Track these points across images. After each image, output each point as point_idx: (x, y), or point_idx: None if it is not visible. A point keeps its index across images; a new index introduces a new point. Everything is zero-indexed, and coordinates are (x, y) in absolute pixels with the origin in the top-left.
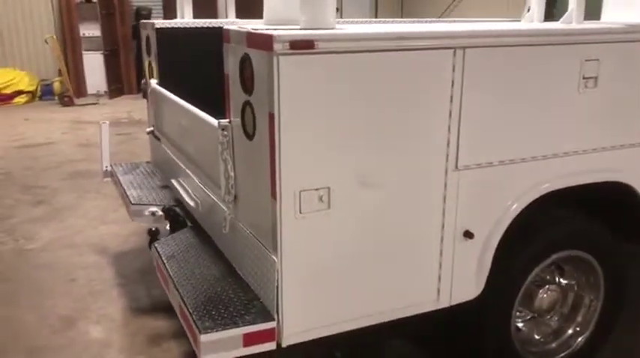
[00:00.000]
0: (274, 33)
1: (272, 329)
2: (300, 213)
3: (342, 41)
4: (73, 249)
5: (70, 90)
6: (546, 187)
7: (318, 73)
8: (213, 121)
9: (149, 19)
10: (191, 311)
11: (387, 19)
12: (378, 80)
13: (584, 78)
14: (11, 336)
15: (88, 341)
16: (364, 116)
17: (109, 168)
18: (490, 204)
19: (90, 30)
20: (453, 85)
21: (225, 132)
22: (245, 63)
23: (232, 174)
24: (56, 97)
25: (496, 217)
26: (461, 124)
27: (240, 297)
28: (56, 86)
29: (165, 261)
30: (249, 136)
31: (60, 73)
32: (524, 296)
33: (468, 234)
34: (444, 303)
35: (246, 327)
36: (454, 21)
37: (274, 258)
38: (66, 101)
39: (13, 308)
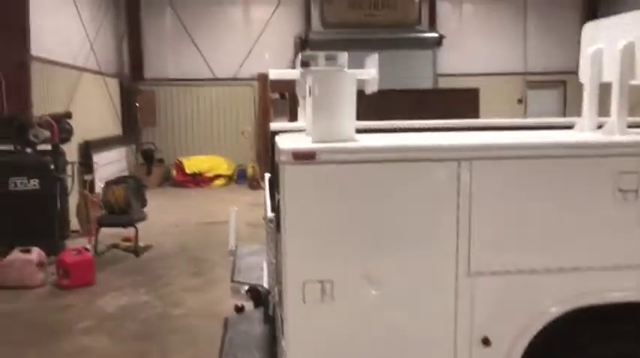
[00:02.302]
0: (282, 145)
1: None
2: (305, 302)
3: (341, 153)
4: (206, 318)
5: (258, 175)
6: (578, 301)
7: (321, 179)
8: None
9: None
10: None
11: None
12: (379, 188)
13: (620, 190)
14: None
15: None
16: (367, 219)
17: (234, 249)
18: (510, 313)
19: (284, 122)
20: (459, 194)
21: (271, 225)
22: (277, 168)
23: (274, 260)
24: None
25: (518, 327)
26: (471, 232)
27: None
28: (249, 171)
29: (225, 334)
30: (279, 230)
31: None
32: None
33: (486, 341)
34: None
35: None
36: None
37: (283, 342)
38: (254, 185)
39: None
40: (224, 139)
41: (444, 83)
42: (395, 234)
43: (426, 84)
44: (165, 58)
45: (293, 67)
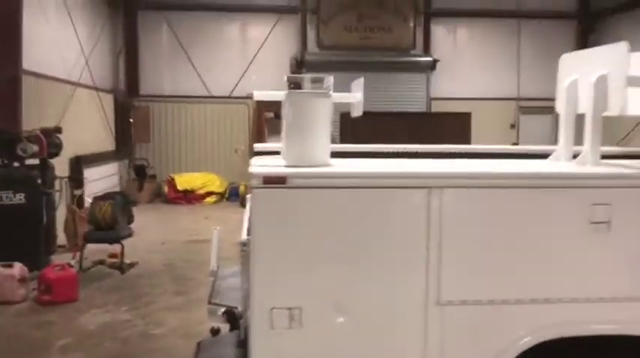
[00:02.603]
0: (253, 169)
1: None
2: (272, 328)
3: (313, 178)
4: (187, 339)
5: None
6: (549, 333)
7: (291, 204)
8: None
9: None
10: None
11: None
12: (350, 214)
13: (591, 222)
14: None
15: None
16: (338, 246)
17: (215, 269)
18: (481, 343)
19: (277, 142)
20: (429, 222)
21: (245, 248)
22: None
23: (246, 285)
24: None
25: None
26: (442, 260)
27: None
28: (241, 189)
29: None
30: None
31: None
32: None
33: None
34: None
35: None
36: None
37: None
38: (245, 203)
39: None
40: (217, 157)
41: (437, 107)
42: (365, 261)
43: (420, 107)
44: (162, 74)
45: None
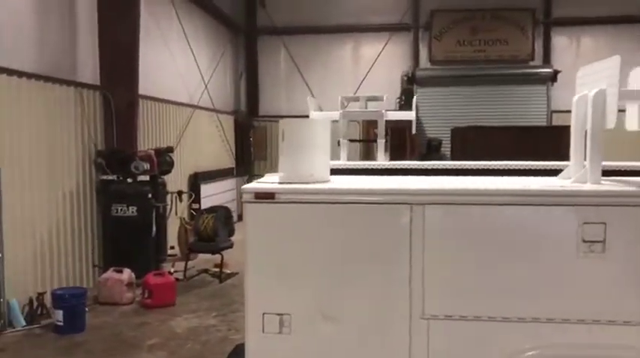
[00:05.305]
0: (245, 186)
1: None
2: (263, 332)
3: (299, 194)
4: None
5: None
6: (534, 355)
7: (280, 218)
8: None
9: (439, 151)
10: None
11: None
12: (335, 227)
13: (584, 241)
14: None
15: None
16: (323, 258)
17: None
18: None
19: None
20: (411, 237)
21: None
22: None
23: None
24: None
25: None
26: (425, 274)
27: None
28: None
29: None
30: None
31: None
32: None
33: None
34: None
35: None
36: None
37: None
38: None
39: None
40: None
41: (559, 120)
42: (349, 273)
43: (540, 121)
44: (279, 95)
45: (399, 103)
